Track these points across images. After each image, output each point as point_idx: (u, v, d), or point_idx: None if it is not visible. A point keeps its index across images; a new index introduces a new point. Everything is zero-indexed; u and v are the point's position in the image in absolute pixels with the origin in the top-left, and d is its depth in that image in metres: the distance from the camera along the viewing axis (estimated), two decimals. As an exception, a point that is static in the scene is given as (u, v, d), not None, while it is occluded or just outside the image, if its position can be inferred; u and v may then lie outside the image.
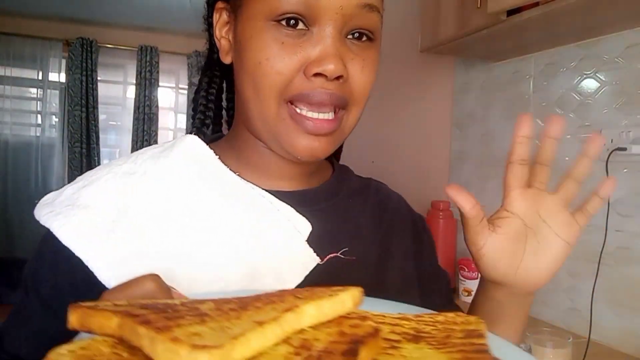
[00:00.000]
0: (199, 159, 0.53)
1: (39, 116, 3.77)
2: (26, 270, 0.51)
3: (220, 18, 0.54)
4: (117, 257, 0.46)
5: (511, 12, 1.30)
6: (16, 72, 3.71)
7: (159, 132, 4.04)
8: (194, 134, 0.56)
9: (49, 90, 3.77)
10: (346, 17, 0.47)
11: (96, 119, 3.84)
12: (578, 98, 1.45)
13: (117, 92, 4.05)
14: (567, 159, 1.47)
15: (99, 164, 3.86)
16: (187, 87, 4.10)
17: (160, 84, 4.02)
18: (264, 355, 0.26)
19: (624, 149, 1.28)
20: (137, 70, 3.94)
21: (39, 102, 3.76)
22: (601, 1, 1.11)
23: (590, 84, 1.42)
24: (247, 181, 0.53)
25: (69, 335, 0.46)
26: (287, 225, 0.52)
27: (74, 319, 0.30)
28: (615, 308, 1.30)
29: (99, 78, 3.87)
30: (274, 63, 0.46)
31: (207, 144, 0.55)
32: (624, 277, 1.29)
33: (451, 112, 2.04)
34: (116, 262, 0.46)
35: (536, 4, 1.21)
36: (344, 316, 0.33)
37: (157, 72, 3.98)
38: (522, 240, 0.50)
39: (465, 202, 0.49)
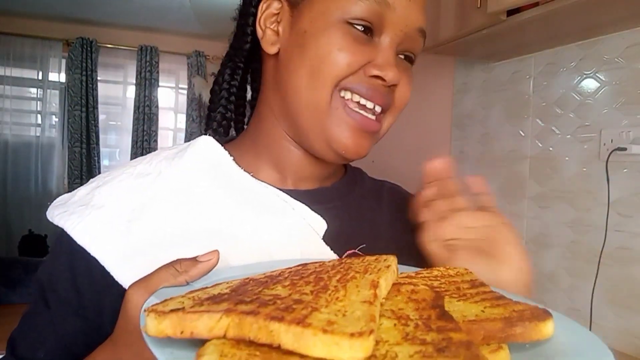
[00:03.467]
0: (212, 160, 0.53)
1: (39, 116, 3.77)
2: (40, 273, 0.51)
3: (268, 9, 0.54)
4: (132, 257, 0.47)
5: (511, 12, 1.30)
6: (16, 72, 3.71)
7: (159, 132, 4.03)
8: (211, 133, 0.56)
9: (49, 90, 3.76)
10: (405, 37, 0.52)
11: (96, 119, 3.84)
12: (578, 98, 1.45)
13: (117, 92, 4.05)
14: (567, 158, 1.48)
15: (99, 164, 3.86)
16: (187, 87, 4.10)
17: (160, 84, 4.02)
18: (379, 332, 0.28)
19: (624, 149, 1.28)
20: (137, 70, 3.93)
21: (39, 102, 3.76)
22: (601, 1, 1.11)
23: (590, 84, 1.42)
24: (261, 181, 0.53)
25: (90, 334, 0.46)
26: (302, 223, 0.52)
27: (166, 325, 0.28)
28: (615, 308, 1.30)
29: (99, 78, 3.87)
30: (346, 54, 0.49)
31: (225, 142, 0.55)
32: (624, 277, 1.29)
33: (451, 112, 2.04)
34: (132, 262, 0.46)
35: (536, 4, 1.21)
36: (395, 283, 0.37)
37: (157, 72, 3.98)
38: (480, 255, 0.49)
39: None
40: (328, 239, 0.52)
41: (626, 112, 1.31)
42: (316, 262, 0.41)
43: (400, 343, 0.27)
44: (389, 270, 0.36)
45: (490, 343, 0.30)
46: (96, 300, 0.48)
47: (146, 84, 3.93)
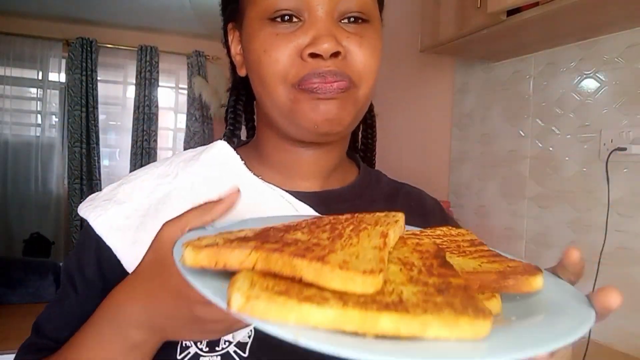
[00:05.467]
0: (225, 162, 0.56)
1: (39, 116, 3.77)
2: (68, 262, 0.56)
3: (233, 38, 0.59)
4: (139, 247, 0.49)
5: (511, 12, 1.30)
6: (16, 72, 3.71)
7: (159, 132, 4.04)
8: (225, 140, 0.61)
9: (49, 90, 3.77)
10: (334, 1, 0.50)
11: (96, 119, 3.84)
12: (578, 98, 1.46)
13: (117, 92, 4.05)
14: (567, 158, 1.48)
15: (99, 164, 3.86)
16: (186, 87, 4.10)
17: (160, 83, 4.02)
18: (387, 274, 0.31)
19: (624, 149, 1.28)
20: (137, 70, 3.94)
21: (39, 102, 3.76)
22: (601, 1, 1.11)
23: (590, 84, 1.42)
24: (268, 182, 0.56)
25: None
26: None
27: (202, 257, 0.32)
28: (615, 308, 1.30)
29: (99, 78, 3.87)
30: (271, 53, 0.50)
31: (237, 146, 0.60)
32: (624, 277, 1.29)
33: (451, 112, 2.04)
34: (138, 251, 0.49)
35: (536, 4, 1.21)
36: (402, 237, 0.40)
37: (157, 72, 3.98)
38: None
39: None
40: None
41: (626, 112, 1.31)
42: (330, 216, 0.43)
43: (405, 284, 0.30)
44: (397, 224, 0.40)
45: (485, 292, 0.33)
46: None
47: (146, 84, 3.93)
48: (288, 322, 0.26)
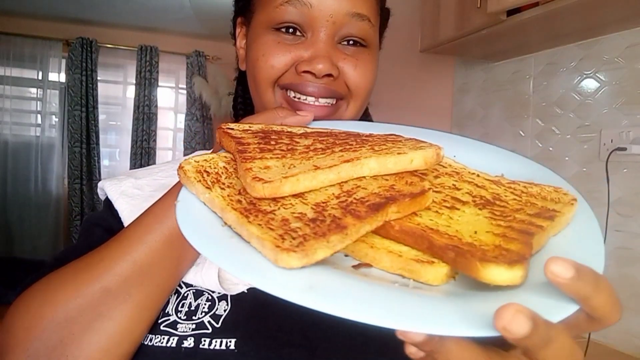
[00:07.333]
0: None
1: (39, 116, 3.77)
2: (95, 215, 0.60)
3: (240, 31, 0.63)
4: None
5: (511, 12, 1.30)
6: (16, 72, 3.71)
7: (159, 132, 4.03)
8: None
9: (49, 90, 3.76)
10: (337, 25, 0.53)
11: (96, 119, 3.84)
12: (578, 98, 1.46)
13: (117, 92, 4.05)
14: (566, 158, 1.48)
15: (99, 164, 3.86)
16: (186, 87, 4.09)
17: (160, 83, 4.02)
18: (313, 192, 0.34)
19: (624, 149, 1.28)
20: (137, 70, 3.93)
21: (39, 102, 3.76)
22: (601, 1, 1.11)
23: (590, 84, 1.42)
24: None
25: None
26: None
27: (218, 135, 0.43)
28: (615, 308, 1.31)
29: (98, 78, 3.87)
30: (268, 58, 0.54)
31: None
32: (624, 277, 1.29)
33: (451, 112, 2.04)
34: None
35: (536, 4, 1.21)
36: (411, 172, 0.38)
37: (157, 72, 3.97)
38: None
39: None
40: None
41: (626, 112, 1.31)
42: (377, 140, 0.43)
43: (307, 205, 0.33)
44: (397, 157, 0.37)
45: (435, 257, 0.30)
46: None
47: (146, 83, 3.93)
48: (200, 196, 0.35)
